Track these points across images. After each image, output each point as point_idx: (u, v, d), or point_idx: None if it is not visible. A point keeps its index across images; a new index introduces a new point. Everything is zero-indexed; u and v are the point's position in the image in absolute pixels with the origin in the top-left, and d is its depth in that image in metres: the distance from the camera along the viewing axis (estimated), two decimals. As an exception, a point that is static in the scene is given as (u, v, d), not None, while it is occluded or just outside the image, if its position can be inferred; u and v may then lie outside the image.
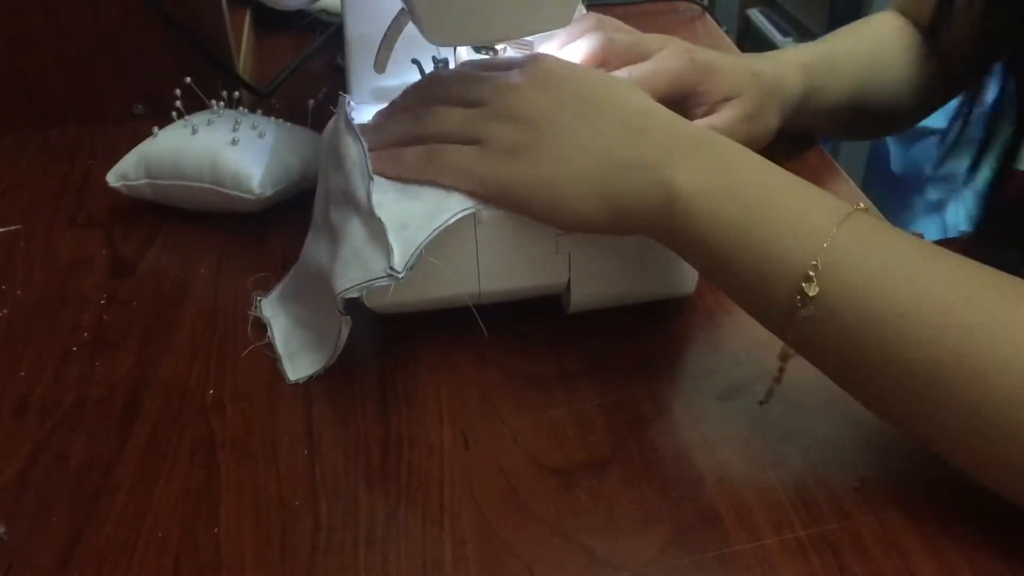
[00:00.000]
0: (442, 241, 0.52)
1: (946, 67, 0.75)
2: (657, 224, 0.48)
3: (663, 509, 0.47)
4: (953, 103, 0.76)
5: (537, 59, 0.55)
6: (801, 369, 0.55)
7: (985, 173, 0.74)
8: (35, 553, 0.46)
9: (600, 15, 0.65)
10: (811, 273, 0.44)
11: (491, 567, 0.44)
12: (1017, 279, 0.44)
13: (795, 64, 0.69)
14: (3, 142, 0.79)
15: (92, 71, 0.79)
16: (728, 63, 0.64)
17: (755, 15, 2.22)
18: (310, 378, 0.55)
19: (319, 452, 0.50)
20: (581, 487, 0.48)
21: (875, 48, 0.75)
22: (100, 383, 0.55)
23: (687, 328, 0.55)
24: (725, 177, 0.47)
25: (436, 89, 0.57)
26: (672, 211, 0.47)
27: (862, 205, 0.46)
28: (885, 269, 0.43)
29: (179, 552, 0.45)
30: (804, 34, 2.05)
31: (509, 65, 0.55)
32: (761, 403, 0.50)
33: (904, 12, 0.78)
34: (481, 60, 0.60)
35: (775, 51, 0.72)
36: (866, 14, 0.78)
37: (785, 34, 2.09)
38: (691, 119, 0.62)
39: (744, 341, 0.57)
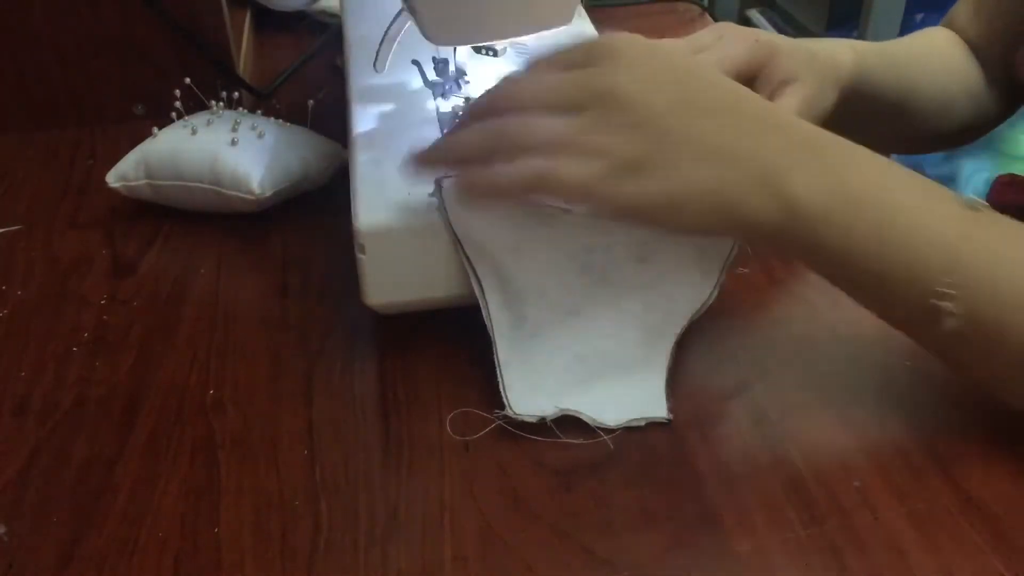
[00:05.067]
0: (442, 241, 0.52)
1: (998, 81, 0.75)
2: (779, 239, 0.47)
3: (663, 509, 0.47)
4: None
5: (622, 43, 0.48)
6: (800, 368, 0.55)
7: (984, 174, 0.74)
8: (35, 553, 0.46)
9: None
10: (945, 291, 0.44)
11: (491, 567, 0.44)
12: None
13: (847, 45, 0.67)
14: (3, 142, 0.79)
15: (92, 71, 0.79)
16: (787, 43, 0.62)
17: (755, 15, 2.21)
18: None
19: (319, 452, 0.50)
20: (581, 487, 0.48)
21: (927, 50, 0.75)
22: (100, 383, 0.55)
23: (687, 328, 0.55)
24: (846, 186, 0.46)
25: (513, 95, 0.50)
26: (794, 228, 0.46)
27: (978, 202, 0.47)
28: (1014, 276, 0.44)
29: (179, 552, 0.45)
30: (804, 34, 2.05)
31: (587, 54, 0.48)
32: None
33: (952, 26, 0.78)
34: (548, 52, 0.51)
35: (822, 38, 0.71)
36: (866, 15, 0.78)
37: (785, 35, 2.09)
38: None
39: (744, 341, 0.57)
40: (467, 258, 0.52)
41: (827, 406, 0.52)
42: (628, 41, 0.48)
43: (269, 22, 0.98)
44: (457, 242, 0.52)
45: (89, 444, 0.51)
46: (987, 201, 0.71)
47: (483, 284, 0.52)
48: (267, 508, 0.47)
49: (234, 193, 0.65)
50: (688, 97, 0.47)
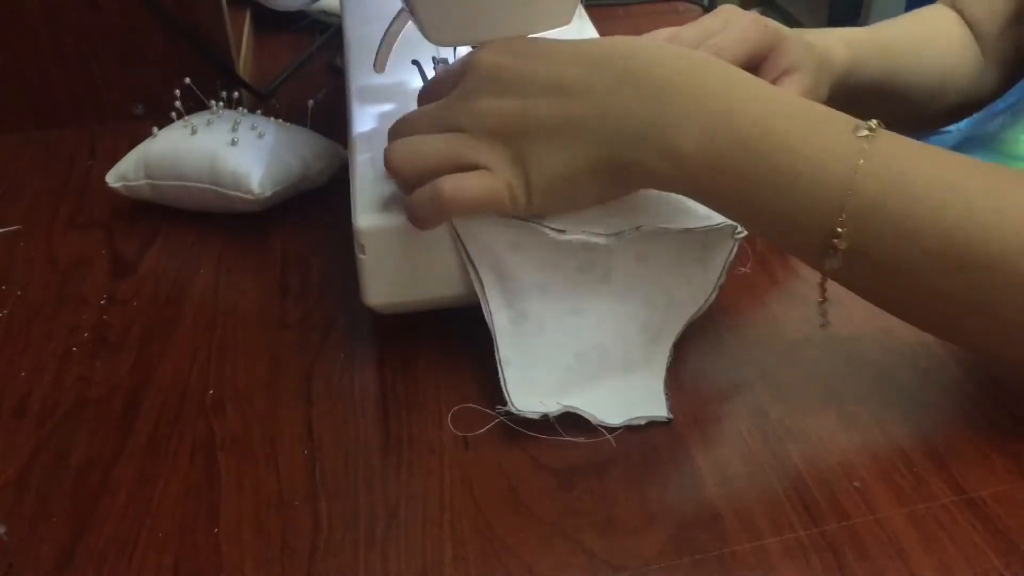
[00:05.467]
0: (442, 241, 0.52)
1: (1000, 59, 0.75)
2: (671, 186, 0.49)
3: (663, 509, 0.47)
4: None
5: (481, 56, 0.51)
6: (800, 368, 0.55)
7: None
8: (35, 553, 0.46)
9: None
10: (839, 229, 0.44)
11: (491, 567, 0.44)
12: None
13: (839, 38, 0.68)
14: (3, 142, 0.79)
15: (92, 71, 0.79)
16: (791, 32, 0.63)
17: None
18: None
19: (319, 452, 0.50)
20: (581, 487, 0.48)
21: (925, 34, 0.75)
22: (100, 383, 0.55)
23: (687, 328, 0.55)
24: (731, 128, 0.46)
25: (400, 133, 0.54)
26: (685, 177, 0.47)
27: (874, 125, 0.45)
28: (909, 209, 0.44)
29: (179, 552, 0.45)
30: (804, 34, 2.05)
31: (456, 74, 0.52)
32: (822, 326, 0.52)
33: (954, 4, 0.78)
34: (429, 81, 0.57)
35: (819, 29, 0.71)
36: (866, 14, 0.77)
37: (784, 34, 2.09)
38: None
39: (744, 341, 0.57)
40: (467, 255, 0.52)
41: (827, 406, 0.52)
42: (488, 52, 0.51)
43: (269, 22, 0.98)
44: (458, 239, 0.52)
45: (89, 444, 0.51)
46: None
47: (483, 281, 0.52)
48: (267, 508, 0.47)
49: (234, 193, 0.65)
50: (551, 82, 0.49)
